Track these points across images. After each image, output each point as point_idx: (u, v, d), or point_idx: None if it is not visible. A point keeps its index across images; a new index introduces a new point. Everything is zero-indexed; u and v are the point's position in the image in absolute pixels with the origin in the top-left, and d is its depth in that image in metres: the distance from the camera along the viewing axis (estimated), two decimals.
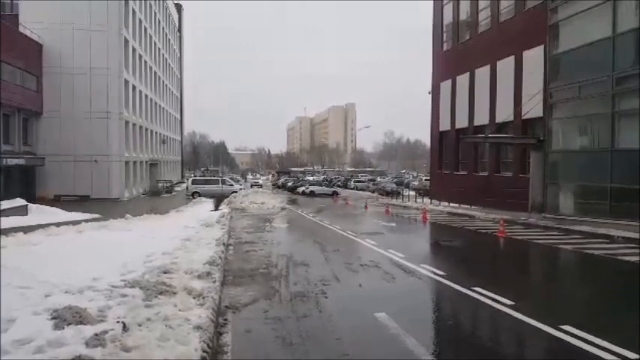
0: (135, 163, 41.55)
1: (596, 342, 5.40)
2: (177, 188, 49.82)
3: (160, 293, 6.26)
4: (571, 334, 5.66)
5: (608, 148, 17.63)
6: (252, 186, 50.03)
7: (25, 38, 33.17)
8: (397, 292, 8.29)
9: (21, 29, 33.36)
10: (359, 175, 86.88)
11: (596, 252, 12.35)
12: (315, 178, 74.52)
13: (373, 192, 51.39)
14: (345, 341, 5.63)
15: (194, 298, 6.27)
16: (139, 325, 4.97)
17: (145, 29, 46.48)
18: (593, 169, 18.46)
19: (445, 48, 33.44)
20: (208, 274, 7.77)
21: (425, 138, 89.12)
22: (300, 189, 49.60)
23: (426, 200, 32.68)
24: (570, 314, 6.64)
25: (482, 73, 27.65)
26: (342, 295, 7.82)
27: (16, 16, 34.96)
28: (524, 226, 18.59)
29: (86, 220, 17.72)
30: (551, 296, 8.21)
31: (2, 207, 19.97)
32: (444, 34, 33.51)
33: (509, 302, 7.05)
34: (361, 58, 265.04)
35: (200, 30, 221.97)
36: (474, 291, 7.78)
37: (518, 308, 6.74)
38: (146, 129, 46.47)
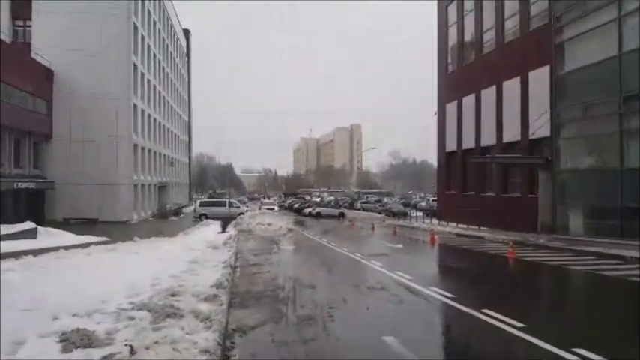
0: (143, 186, 41.85)
1: None
2: (185, 210, 50.00)
3: (168, 316, 6.24)
4: (583, 357, 5.56)
5: (617, 168, 17.54)
6: (260, 208, 49.80)
7: (37, 64, 33.88)
8: (405, 315, 8.19)
9: (33, 56, 34.11)
10: (366, 196, 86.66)
11: (609, 273, 12.18)
12: (320, 200, 74.41)
13: (380, 213, 51.26)
14: None
15: (201, 320, 6.24)
16: (147, 348, 4.95)
17: (154, 55, 47.33)
18: (603, 188, 18.35)
19: (450, 69, 33.72)
20: (215, 296, 7.74)
21: (432, 158, 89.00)
22: (307, 210, 49.57)
23: (434, 221, 32.53)
24: (583, 337, 6.52)
25: (488, 93, 27.79)
26: (349, 318, 7.75)
27: (29, 43, 35.84)
28: (534, 247, 18.40)
29: (95, 243, 17.77)
30: (562, 318, 8.08)
31: (12, 230, 20.14)
32: (449, 56, 33.83)
33: (519, 325, 6.95)
34: (367, 69, 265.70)
35: (206, 53, 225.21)
36: (485, 314, 7.68)
37: (530, 331, 6.63)
38: (155, 152, 46.93)
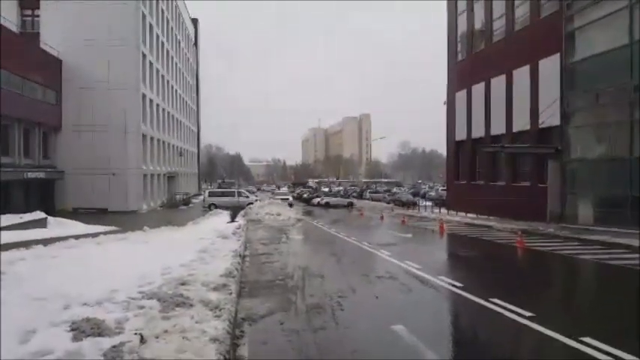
0: (152, 175, 42.05)
1: (618, 354, 5.30)
2: (194, 200, 50.20)
3: (177, 305, 6.28)
4: (592, 347, 5.55)
5: (627, 157, 17.34)
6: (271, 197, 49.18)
7: (46, 54, 33.98)
8: (414, 304, 8.20)
9: (42, 46, 34.21)
10: (374, 185, 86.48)
11: (618, 262, 12.10)
12: (329, 189, 74.38)
13: (389, 203, 51.22)
14: (362, 354, 5.58)
15: (211, 309, 6.27)
16: (156, 337, 4.99)
17: (162, 44, 47.28)
18: (613, 177, 18.16)
19: (460, 58, 33.37)
20: (225, 285, 7.78)
21: (441, 148, 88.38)
22: (316, 200, 49.65)
23: (443, 211, 32.43)
24: (591, 326, 6.50)
25: (498, 82, 27.50)
26: (358, 307, 7.77)
27: (37, 33, 35.94)
28: (543, 237, 18.29)
29: (104, 233, 17.91)
30: (571, 308, 8.06)
31: (23, 220, 20.37)
32: (459, 44, 33.46)
33: (528, 314, 6.93)
34: (377, 64, 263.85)
35: (215, 41, 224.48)
36: (493, 303, 7.67)
37: (538, 320, 6.62)
38: (164, 142, 47.07)
